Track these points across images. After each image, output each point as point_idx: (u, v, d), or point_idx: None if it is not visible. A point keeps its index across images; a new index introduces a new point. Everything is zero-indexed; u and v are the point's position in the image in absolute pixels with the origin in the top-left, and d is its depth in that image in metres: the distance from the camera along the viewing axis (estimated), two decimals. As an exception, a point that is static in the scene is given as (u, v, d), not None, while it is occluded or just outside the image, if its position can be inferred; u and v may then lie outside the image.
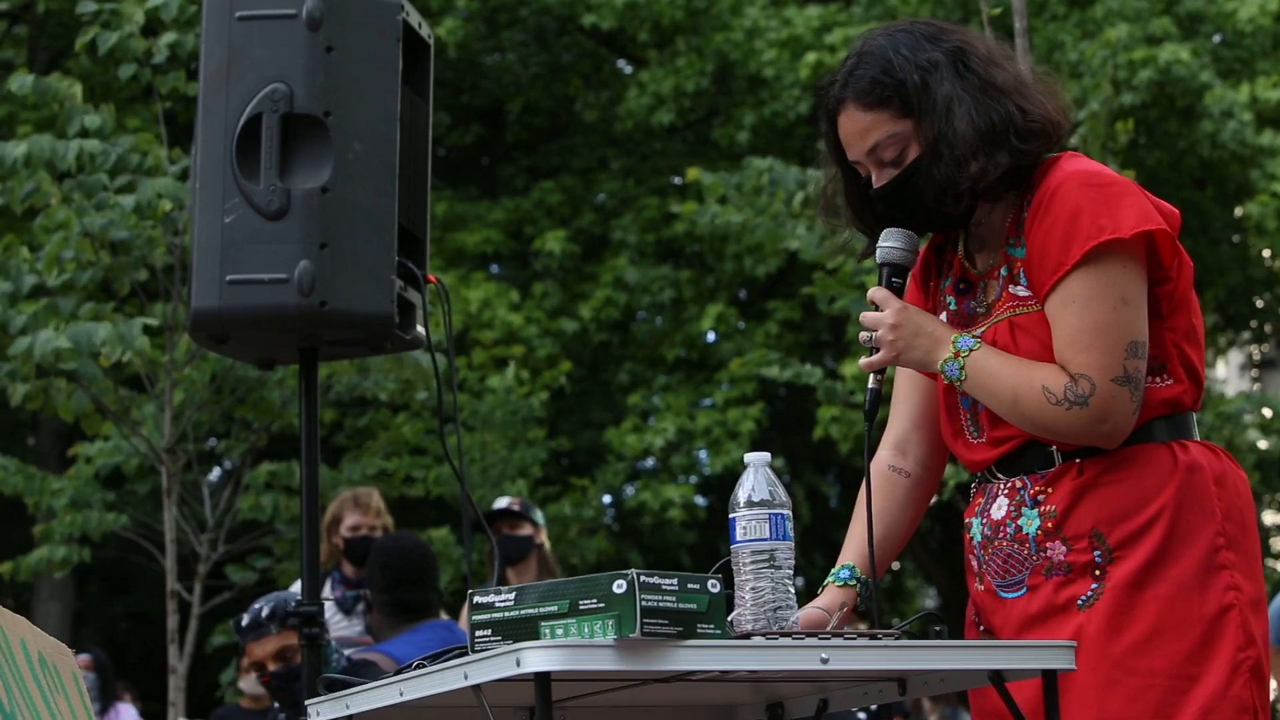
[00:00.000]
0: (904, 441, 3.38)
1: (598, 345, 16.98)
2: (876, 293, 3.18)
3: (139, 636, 20.65)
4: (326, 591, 7.17)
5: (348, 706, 2.95)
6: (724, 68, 16.88)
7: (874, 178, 3.20)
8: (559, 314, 16.50)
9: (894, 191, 3.17)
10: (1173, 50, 14.53)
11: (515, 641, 2.60)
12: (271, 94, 4.12)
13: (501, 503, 7.69)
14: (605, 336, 16.81)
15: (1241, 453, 12.45)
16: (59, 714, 3.22)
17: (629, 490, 16.56)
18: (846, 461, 18.24)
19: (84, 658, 10.14)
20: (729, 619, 2.76)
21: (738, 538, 2.82)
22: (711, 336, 16.73)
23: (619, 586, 2.57)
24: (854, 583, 3.25)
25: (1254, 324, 19.17)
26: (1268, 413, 13.06)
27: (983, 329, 3.17)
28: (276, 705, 5.86)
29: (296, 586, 5.14)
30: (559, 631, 2.61)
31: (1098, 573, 3.06)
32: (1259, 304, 18.53)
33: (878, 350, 3.15)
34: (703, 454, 15.83)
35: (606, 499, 16.67)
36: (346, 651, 5.79)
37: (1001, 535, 3.15)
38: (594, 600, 2.59)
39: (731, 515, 2.84)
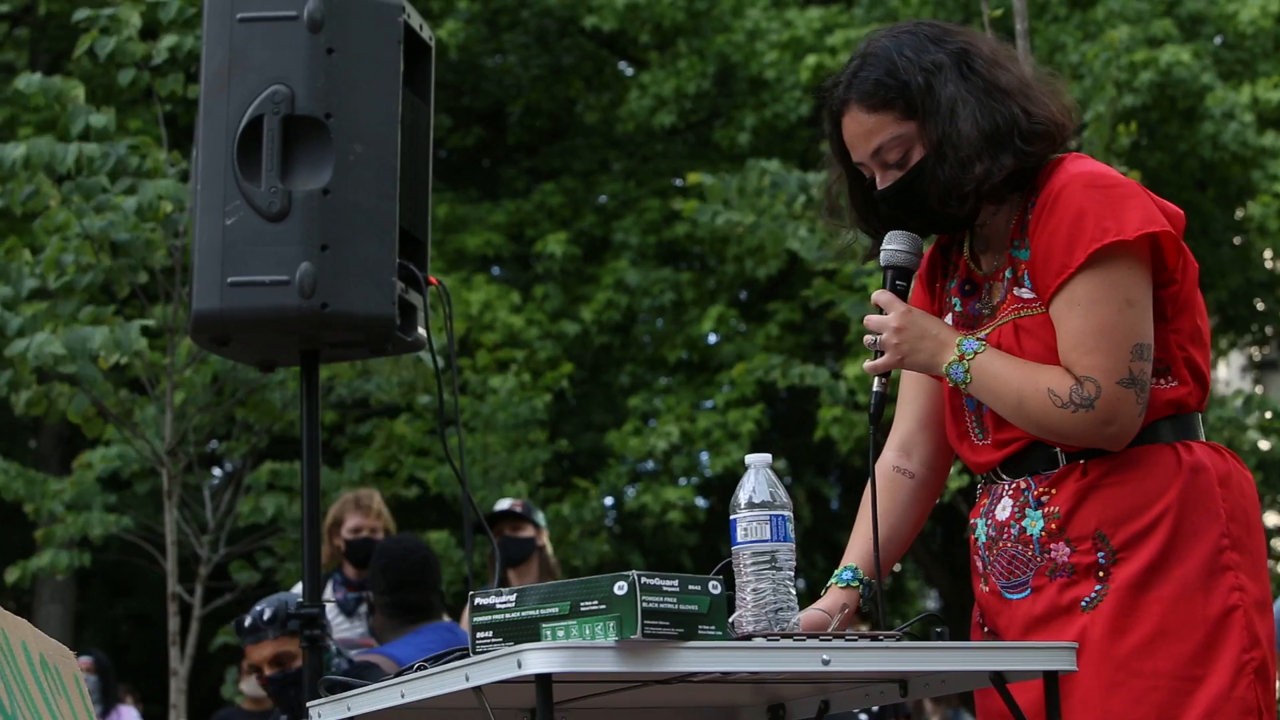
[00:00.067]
0: (909, 443, 3.37)
1: (599, 347, 16.98)
2: (881, 295, 3.18)
3: (140, 639, 20.66)
4: (328, 593, 7.17)
5: (349, 708, 2.95)
6: (725, 70, 16.88)
7: (878, 179, 3.20)
8: (560, 316, 16.50)
9: (898, 193, 3.17)
10: (1174, 52, 14.53)
11: (516, 643, 2.60)
12: (273, 96, 4.12)
13: (503, 504, 7.69)
14: (606, 339, 16.81)
15: (1243, 453, 12.45)
16: (60, 716, 3.22)
17: (630, 492, 16.55)
18: (848, 463, 18.26)
19: (85, 660, 10.14)
20: (730, 620, 2.76)
21: (739, 539, 2.82)
22: (713, 338, 16.73)
23: (620, 588, 2.57)
24: (856, 584, 3.25)
25: (1254, 327, 19.16)
26: (1268, 414, 13.05)
27: (987, 331, 3.17)
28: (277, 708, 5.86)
29: (299, 588, 5.13)
30: (560, 633, 2.61)
31: (1101, 574, 3.05)
32: (1260, 306, 18.52)
33: (882, 353, 3.15)
34: (703, 455, 15.82)
35: (608, 501, 16.66)
36: (350, 653, 5.79)
37: (1006, 536, 3.15)
38: (595, 602, 2.59)
39: (732, 517, 2.84)
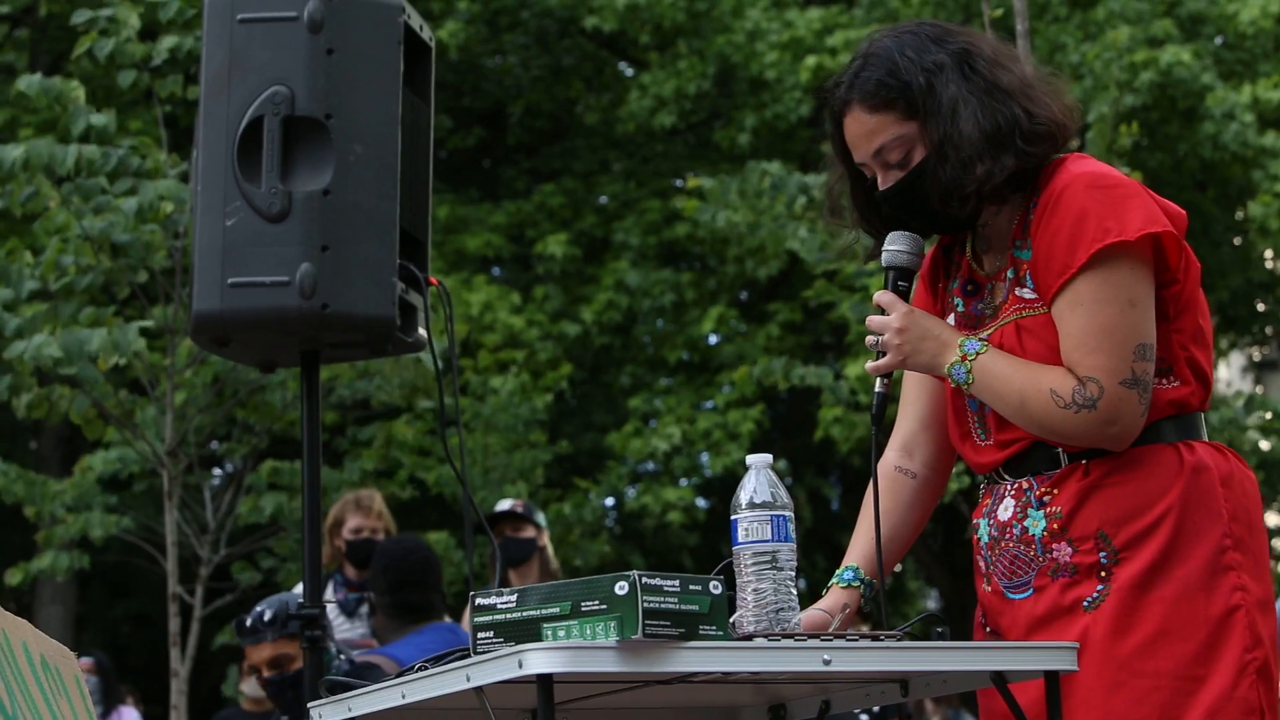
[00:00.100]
0: (911, 443, 3.37)
1: (599, 348, 16.98)
2: (882, 296, 3.18)
3: (141, 639, 20.66)
4: (329, 594, 7.17)
5: (350, 709, 2.95)
6: (725, 70, 16.88)
7: (880, 180, 3.20)
8: (560, 317, 16.50)
9: (900, 194, 3.17)
10: (1174, 52, 14.53)
11: (517, 643, 2.59)
12: (273, 96, 4.12)
13: (504, 505, 7.69)
14: (607, 339, 16.81)
15: (1243, 454, 12.43)
16: (61, 717, 3.22)
17: (631, 493, 16.56)
18: (849, 464, 18.25)
19: (86, 661, 10.14)
20: (731, 620, 2.76)
21: (740, 539, 2.82)
22: (713, 339, 16.72)
23: (621, 588, 2.57)
24: (857, 584, 3.25)
25: (1254, 327, 19.15)
26: (1268, 415, 13.04)
27: (989, 331, 3.17)
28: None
29: (300, 588, 5.13)
30: (561, 633, 2.61)
31: (1103, 574, 3.05)
32: (1260, 307, 18.51)
33: (884, 354, 3.15)
34: (704, 456, 15.83)
35: (609, 501, 16.67)
36: (352, 654, 5.79)
37: (1008, 536, 3.15)
38: (596, 602, 2.58)
39: (733, 517, 2.84)
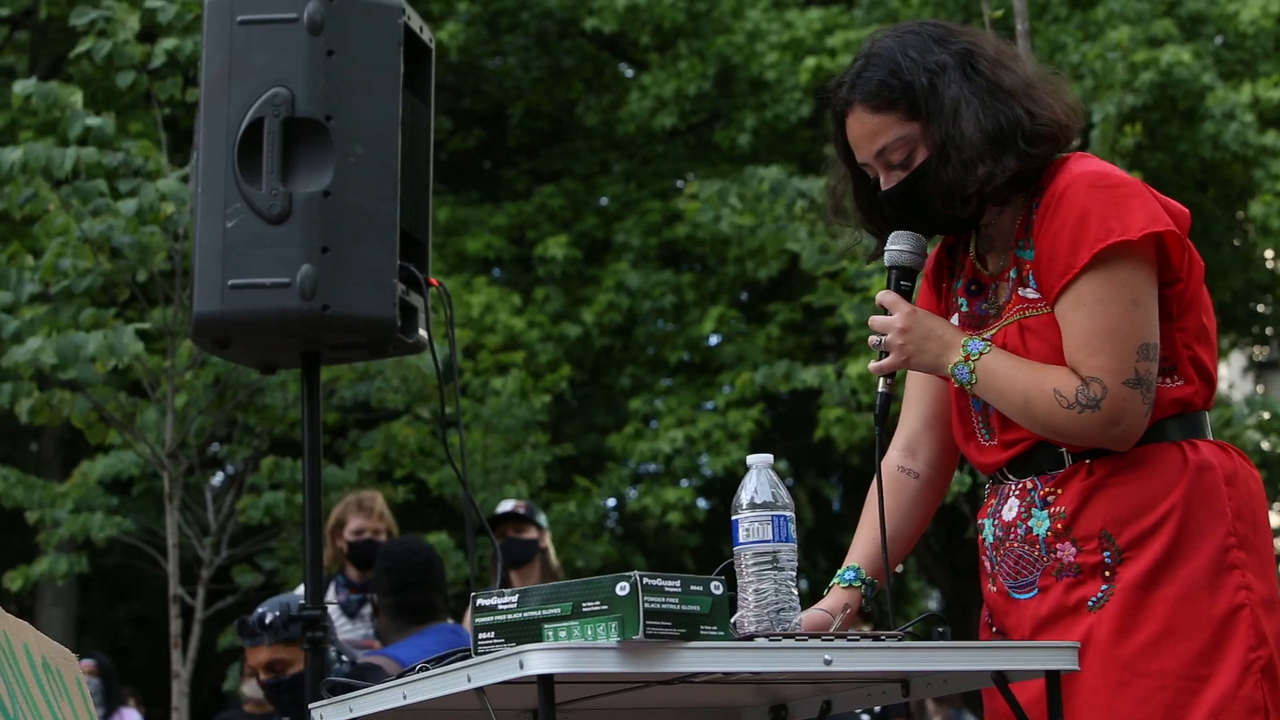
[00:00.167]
0: (914, 442, 3.37)
1: (600, 349, 16.98)
2: (885, 296, 3.18)
3: (142, 641, 20.66)
4: (330, 595, 7.17)
5: (351, 710, 2.95)
6: (725, 71, 16.88)
7: (882, 180, 3.20)
8: (561, 318, 16.49)
9: (902, 194, 3.17)
10: (1174, 52, 14.52)
11: (518, 644, 2.60)
12: (273, 98, 4.12)
13: (506, 505, 7.69)
14: (607, 341, 16.81)
15: (1245, 453, 12.42)
16: (62, 718, 3.22)
17: (632, 493, 16.55)
18: (850, 464, 18.25)
19: (87, 663, 10.15)
20: (732, 621, 2.76)
21: (740, 540, 2.82)
22: (714, 340, 16.72)
23: (622, 588, 2.57)
24: (859, 584, 3.25)
25: (1255, 328, 19.15)
26: (1265, 415, 13.05)
27: (993, 331, 3.17)
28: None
29: (302, 590, 5.14)
30: (562, 634, 2.61)
31: (1108, 574, 3.05)
32: (1260, 309, 18.51)
33: (887, 354, 3.15)
34: (703, 458, 15.82)
35: (611, 502, 16.67)
36: (356, 655, 5.79)
37: (1013, 536, 3.15)
38: (597, 602, 2.58)
39: (734, 517, 2.84)
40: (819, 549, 19.66)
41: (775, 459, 2.90)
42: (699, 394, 16.31)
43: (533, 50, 18.15)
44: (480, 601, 2.72)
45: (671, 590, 2.59)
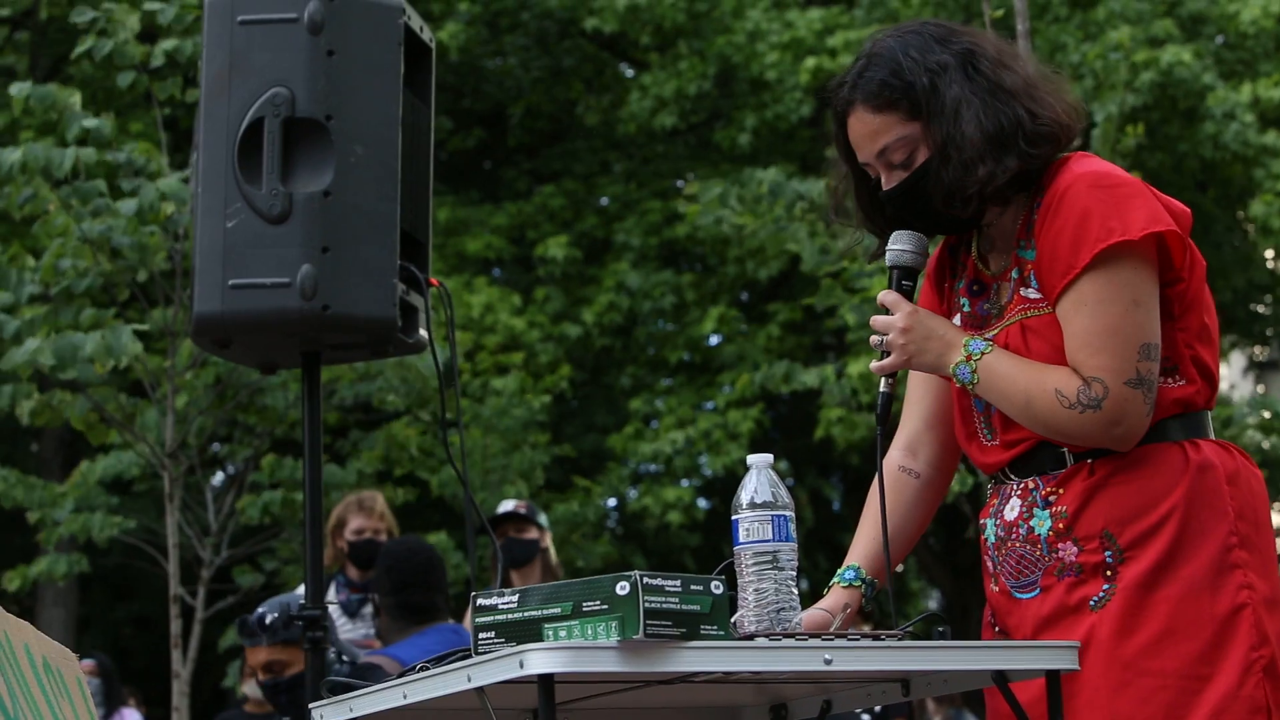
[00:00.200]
0: (915, 442, 3.37)
1: (600, 349, 16.98)
2: (887, 296, 3.18)
3: (143, 641, 20.66)
4: (331, 595, 7.18)
5: (351, 709, 2.95)
6: (726, 71, 16.88)
7: (884, 180, 3.19)
8: (561, 318, 16.49)
9: (903, 194, 3.17)
10: (1175, 52, 14.52)
11: (519, 643, 2.59)
12: (273, 98, 4.13)
13: (507, 505, 7.69)
14: (608, 341, 16.80)
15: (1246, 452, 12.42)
16: (63, 718, 3.22)
17: (632, 493, 16.55)
18: (850, 464, 18.24)
19: (88, 663, 10.15)
20: (732, 620, 2.76)
21: (740, 539, 2.82)
22: (714, 339, 16.72)
23: (622, 588, 2.57)
24: (859, 584, 3.25)
25: (1255, 328, 19.15)
26: (1265, 414, 13.06)
27: (994, 331, 3.16)
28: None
29: (302, 589, 5.14)
30: (562, 633, 2.61)
31: (1109, 573, 3.05)
32: (1260, 309, 18.50)
33: (889, 354, 3.15)
34: (702, 458, 15.82)
35: (611, 502, 16.67)
36: (357, 654, 5.79)
37: (1014, 536, 3.15)
38: (597, 602, 2.58)
39: (734, 517, 2.84)
40: (819, 549, 19.66)
41: (775, 459, 2.90)
42: (699, 394, 16.31)
43: (533, 50, 18.15)
44: (480, 601, 2.72)
45: (672, 590, 2.59)
